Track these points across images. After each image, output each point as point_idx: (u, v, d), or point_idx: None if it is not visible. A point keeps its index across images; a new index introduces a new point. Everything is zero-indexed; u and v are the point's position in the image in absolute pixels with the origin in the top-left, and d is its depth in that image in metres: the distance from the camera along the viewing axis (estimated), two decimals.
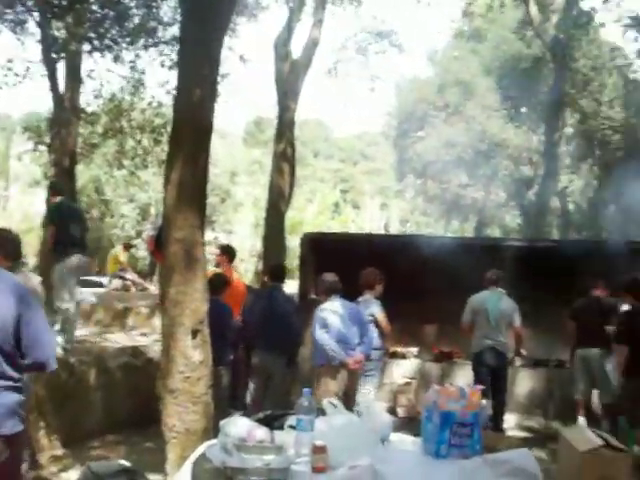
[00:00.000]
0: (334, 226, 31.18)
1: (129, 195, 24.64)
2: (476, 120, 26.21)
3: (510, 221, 31.11)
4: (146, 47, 12.50)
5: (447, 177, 28.51)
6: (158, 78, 32.76)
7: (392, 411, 8.35)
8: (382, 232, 33.52)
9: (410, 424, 7.08)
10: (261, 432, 3.06)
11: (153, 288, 13.46)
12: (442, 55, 31.12)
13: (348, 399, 6.03)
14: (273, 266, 8.28)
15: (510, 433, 7.95)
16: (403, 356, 9.46)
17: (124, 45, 12.12)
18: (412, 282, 8.45)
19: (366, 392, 6.87)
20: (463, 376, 8.48)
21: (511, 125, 26.20)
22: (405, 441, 3.48)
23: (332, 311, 6.42)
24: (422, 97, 29.30)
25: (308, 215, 30.94)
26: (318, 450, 2.83)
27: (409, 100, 30.58)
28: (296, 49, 13.81)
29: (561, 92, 18.93)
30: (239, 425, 3.09)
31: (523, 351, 8.61)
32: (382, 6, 36.59)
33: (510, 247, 10.06)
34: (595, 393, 8.08)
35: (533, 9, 18.90)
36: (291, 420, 3.22)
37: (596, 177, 24.41)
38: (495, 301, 7.81)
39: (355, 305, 6.83)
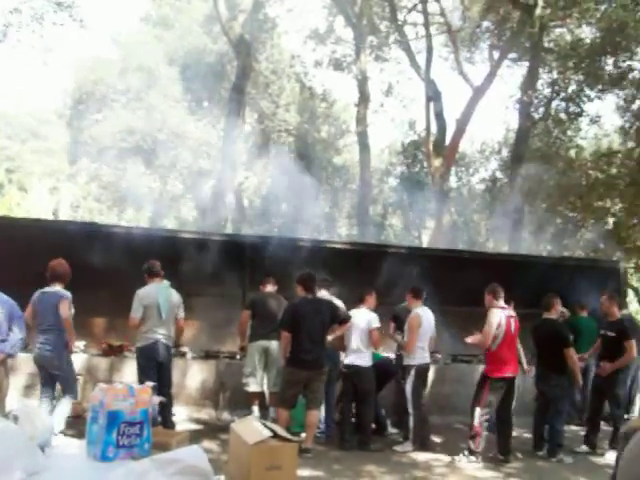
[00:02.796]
0: None
1: None
2: (157, 108, 25.90)
3: (186, 213, 31.34)
4: None
5: (123, 164, 27.73)
6: None
7: None
8: (51, 217, 31.47)
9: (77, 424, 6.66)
10: None
11: None
12: (127, 38, 30.21)
13: None
14: None
15: (182, 427, 7.83)
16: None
17: None
18: (82, 273, 7.91)
19: None
20: (134, 370, 8.16)
21: (192, 117, 26.38)
22: (71, 445, 3.27)
23: None
24: (102, 78, 28.13)
25: None
26: None
27: (88, 80, 29.15)
28: None
29: (242, 91, 19.48)
30: None
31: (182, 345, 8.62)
32: None
33: (187, 239, 9.99)
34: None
35: (221, 6, 19.19)
36: None
37: (270, 175, 25.65)
38: (165, 294, 7.63)
39: (8, 299, 6.25)
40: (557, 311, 8.31)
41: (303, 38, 23.27)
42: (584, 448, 8.29)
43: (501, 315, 7.62)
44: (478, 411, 7.56)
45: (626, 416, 8.63)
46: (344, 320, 7.74)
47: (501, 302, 7.72)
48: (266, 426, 3.64)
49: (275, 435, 3.57)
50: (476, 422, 7.54)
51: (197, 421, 8.60)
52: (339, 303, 8.14)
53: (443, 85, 41.73)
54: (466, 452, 7.59)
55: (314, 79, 23.76)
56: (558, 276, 9.70)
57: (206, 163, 27.21)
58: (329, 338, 7.69)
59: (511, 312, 7.80)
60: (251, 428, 3.65)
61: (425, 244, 24.52)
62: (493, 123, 44.26)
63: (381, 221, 28.50)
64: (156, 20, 28.21)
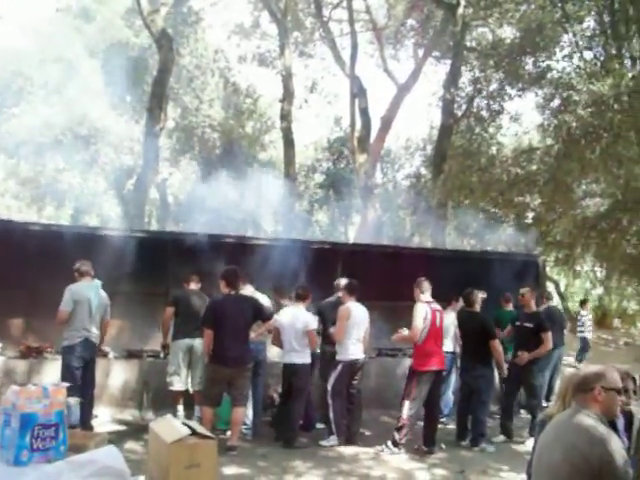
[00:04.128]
0: None
1: None
2: (77, 102, 25.16)
3: (109, 210, 30.61)
4: None
5: (42, 160, 26.87)
6: None
7: None
8: None
9: None
10: None
11: None
12: (45, 29, 29.21)
13: None
14: None
15: (105, 428, 7.64)
16: None
17: None
18: None
19: None
20: (54, 372, 7.92)
21: (114, 112, 25.75)
22: None
23: None
24: (19, 71, 27.12)
25: None
26: None
27: (4, 72, 28.07)
28: None
29: (165, 85, 19.12)
30: None
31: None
32: None
33: (107, 237, 9.72)
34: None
35: None
36: None
37: (194, 171, 25.36)
38: (96, 292, 7.48)
39: None
40: (479, 304, 8.49)
41: (228, 33, 23.15)
42: (501, 438, 8.51)
43: (427, 309, 7.74)
44: (407, 404, 7.68)
45: (545, 404, 8.89)
46: (268, 317, 7.71)
47: (427, 296, 7.84)
48: (185, 424, 3.59)
49: (194, 433, 3.52)
50: (404, 415, 7.65)
51: (120, 422, 8.41)
52: (264, 299, 8.11)
53: (369, 82, 41.98)
54: (389, 443, 7.69)
55: (238, 74, 23.69)
56: (480, 270, 9.90)
57: (129, 159, 26.65)
58: (252, 335, 7.65)
59: (437, 305, 7.93)
60: (170, 427, 3.59)
61: (351, 240, 24.68)
62: (418, 120, 44.96)
63: (307, 217, 28.51)
64: (76, 12, 27.40)
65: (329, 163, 28.52)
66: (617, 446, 3.08)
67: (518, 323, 8.65)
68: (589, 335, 16.29)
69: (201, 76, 22.34)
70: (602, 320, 24.50)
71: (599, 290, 27.23)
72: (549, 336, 8.51)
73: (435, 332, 7.80)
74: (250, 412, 7.99)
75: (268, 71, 23.63)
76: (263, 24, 23.70)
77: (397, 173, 29.15)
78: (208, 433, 3.68)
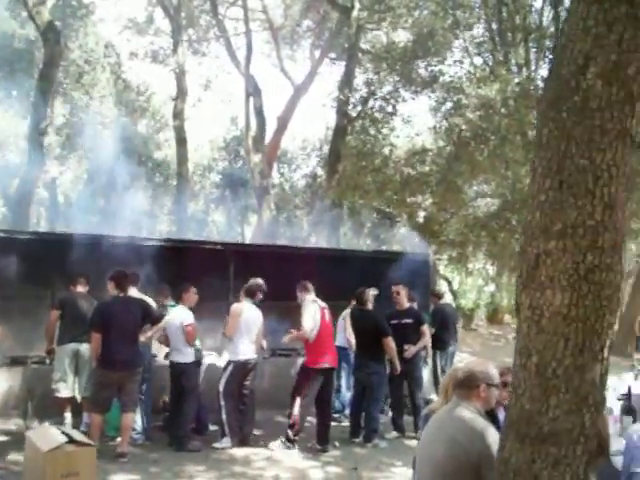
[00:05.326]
0: None
1: None
2: None
3: None
4: None
5: None
6: None
7: None
8: None
9: None
10: None
11: None
12: None
13: None
14: None
15: None
16: None
17: None
18: None
19: None
20: None
21: None
22: None
23: None
24: None
25: None
26: None
27: None
28: None
29: (52, 80, 18.36)
30: None
31: None
32: None
33: None
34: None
35: None
36: None
37: (86, 170, 24.54)
38: None
39: None
40: (371, 303, 8.61)
41: (120, 27, 22.52)
42: (394, 434, 8.65)
43: (315, 307, 7.81)
44: (298, 401, 7.72)
45: (433, 396, 9.11)
46: (157, 319, 7.57)
47: (312, 295, 7.92)
48: (63, 432, 3.44)
49: (72, 441, 3.38)
50: (295, 411, 7.69)
51: (4, 432, 8.00)
52: (151, 301, 7.96)
53: (265, 82, 41.95)
54: (283, 439, 7.72)
55: (130, 71, 23.07)
56: (372, 269, 10.03)
57: (15, 156, 25.47)
58: (142, 338, 7.48)
59: (323, 303, 8.00)
60: (47, 435, 3.44)
61: (248, 240, 24.56)
62: (314, 121, 45.23)
63: (204, 217, 28.18)
64: None
65: (225, 162, 28.26)
66: (495, 438, 3.18)
67: (395, 321, 8.74)
68: None
69: (91, 71, 21.62)
70: (494, 316, 25.39)
71: (491, 287, 28.24)
72: (427, 329, 8.95)
73: (326, 330, 7.87)
74: (139, 417, 7.78)
75: (161, 68, 23.17)
76: (157, 20, 23.23)
77: (294, 173, 29.23)
78: (87, 440, 3.55)
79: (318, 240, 21.01)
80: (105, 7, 21.89)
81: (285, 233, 24.81)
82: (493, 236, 19.25)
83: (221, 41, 22.68)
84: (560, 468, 2.82)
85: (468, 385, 3.51)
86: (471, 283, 28.56)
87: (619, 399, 5.07)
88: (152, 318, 7.51)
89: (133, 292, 7.79)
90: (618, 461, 3.92)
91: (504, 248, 19.29)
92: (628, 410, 4.82)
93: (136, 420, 7.64)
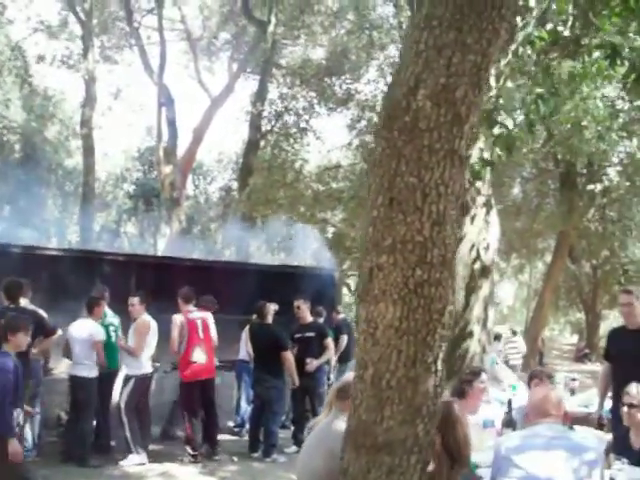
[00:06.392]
0: None
1: None
2: None
3: None
4: None
5: None
6: None
7: None
8: None
9: None
10: None
11: None
12: None
13: None
14: None
15: None
16: None
17: None
18: None
19: None
20: None
21: None
22: None
23: None
24: None
25: None
26: None
27: None
28: None
29: None
30: None
31: None
32: None
33: None
34: None
35: None
36: None
37: None
38: None
39: None
40: (271, 316, 8.61)
41: (29, 30, 21.83)
42: (294, 448, 8.62)
43: (181, 319, 7.80)
44: (186, 415, 7.71)
45: None
46: (50, 331, 7.34)
47: (190, 306, 7.94)
48: None
49: None
50: (187, 425, 7.66)
51: None
52: (43, 313, 7.71)
53: (183, 93, 41.55)
54: (187, 456, 7.69)
55: (38, 75, 22.37)
56: (277, 283, 10.03)
57: None
58: (34, 351, 7.22)
59: (200, 314, 7.99)
60: None
61: (160, 252, 24.19)
62: (231, 133, 45.06)
63: (116, 228, 27.60)
64: None
65: (139, 173, 27.79)
66: None
67: (299, 335, 8.80)
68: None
69: None
70: None
71: None
72: (330, 342, 8.96)
73: (198, 341, 7.84)
74: (29, 432, 7.50)
75: (72, 74, 22.59)
76: (67, 25, 22.60)
77: (209, 186, 29.02)
78: None
79: (232, 253, 20.92)
80: (17, 8, 21.06)
81: (199, 246, 24.60)
82: None
83: (134, 49, 22.32)
84: (394, 477, 2.89)
85: (344, 397, 3.55)
86: None
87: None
88: (45, 330, 7.24)
89: (23, 303, 7.53)
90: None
91: None
92: (509, 422, 4.95)
93: (26, 437, 7.35)
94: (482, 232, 9.23)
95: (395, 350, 2.80)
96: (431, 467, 3.13)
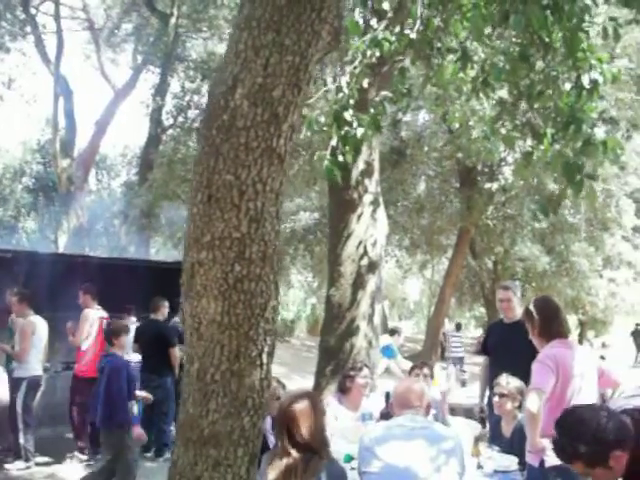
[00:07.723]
0: None
1: None
2: None
3: None
4: None
5: None
6: None
7: None
8: None
9: None
10: None
11: None
12: None
13: None
14: None
15: None
16: None
17: None
18: None
19: None
20: None
21: None
22: None
23: None
24: None
25: None
26: None
27: None
28: None
29: None
30: None
31: None
32: None
33: None
34: None
35: None
36: None
37: None
38: None
39: None
40: (163, 313, 8.52)
41: None
42: None
43: (94, 316, 7.79)
44: (75, 410, 7.72)
45: None
46: None
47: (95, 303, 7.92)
48: None
49: None
50: (76, 421, 7.70)
51: None
52: None
53: (86, 85, 40.45)
54: (77, 452, 7.65)
55: None
56: (171, 280, 9.88)
57: None
58: None
59: (104, 313, 7.89)
60: None
61: (62, 248, 23.50)
62: (136, 128, 44.20)
63: (14, 223, 26.61)
64: None
65: (40, 166, 26.87)
66: None
67: None
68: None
69: None
70: (314, 327, 25.85)
71: (313, 299, 28.80)
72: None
73: (102, 339, 7.74)
74: None
75: None
76: None
77: (113, 180, 28.37)
78: None
79: (137, 250, 20.53)
80: None
81: (102, 241, 24.07)
82: (310, 249, 19.59)
83: (29, 38, 21.41)
84: (221, 469, 2.95)
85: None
86: (293, 295, 28.98)
87: None
88: None
89: None
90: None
91: (320, 261, 19.65)
92: (386, 415, 4.97)
93: None
94: (369, 229, 9.44)
95: (218, 345, 2.84)
96: (284, 461, 3.19)
